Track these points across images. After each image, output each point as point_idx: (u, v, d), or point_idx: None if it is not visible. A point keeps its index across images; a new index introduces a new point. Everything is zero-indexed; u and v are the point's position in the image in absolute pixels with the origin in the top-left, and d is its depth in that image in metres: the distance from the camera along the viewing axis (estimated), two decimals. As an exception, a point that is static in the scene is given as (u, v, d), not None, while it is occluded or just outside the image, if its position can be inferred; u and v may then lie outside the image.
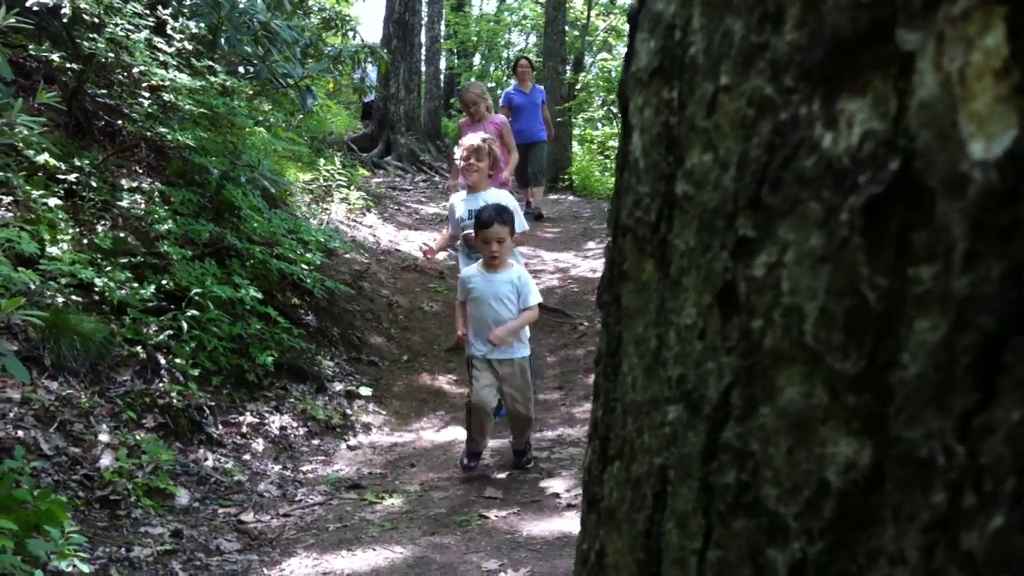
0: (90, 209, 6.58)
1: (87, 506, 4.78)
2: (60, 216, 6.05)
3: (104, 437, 5.18)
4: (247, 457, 6.02)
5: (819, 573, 0.76)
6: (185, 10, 8.22)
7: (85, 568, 3.88)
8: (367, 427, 7.11)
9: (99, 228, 6.53)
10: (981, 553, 0.64)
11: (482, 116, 8.99)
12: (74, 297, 5.69)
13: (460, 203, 6.84)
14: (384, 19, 18.71)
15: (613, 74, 22.23)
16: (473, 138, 6.79)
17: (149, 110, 7.36)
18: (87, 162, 6.74)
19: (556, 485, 5.64)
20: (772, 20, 0.82)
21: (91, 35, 6.86)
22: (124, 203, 6.84)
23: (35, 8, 6.28)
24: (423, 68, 20.88)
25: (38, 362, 5.27)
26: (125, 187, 7.06)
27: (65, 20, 6.78)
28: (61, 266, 5.50)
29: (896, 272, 0.70)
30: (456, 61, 30.46)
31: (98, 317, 5.80)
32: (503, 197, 6.72)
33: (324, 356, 7.78)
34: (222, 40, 8.32)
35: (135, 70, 7.19)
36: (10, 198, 5.98)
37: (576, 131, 21.23)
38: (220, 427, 6.12)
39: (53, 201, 6.04)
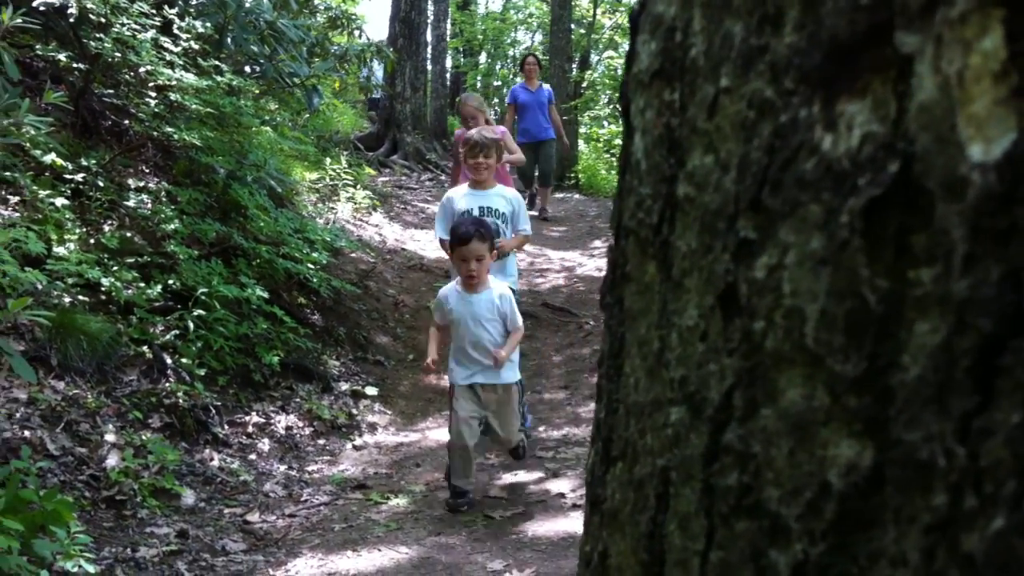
0: (97, 209, 6.59)
1: (93, 506, 4.79)
2: (67, 216, 6.07)
3: (110, 437, 5.19)
4: (253, 457, 6.03)
5: (821, 574, 0.76)
6: (191, 10, 8.23)
7: (91, 568, 3.89)
8: (373, 427, 7.11)
9: (106, 228, 6.54)
10: (981, 555, 0.65)
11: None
12: (81, 297, 5.70)
13: (462, 198, 6.29)
14: (390, 18, 18.74)
15: (619, 72, 22.20)
16: (480, 132, 6.33)
17: (156, 110, 7.37)
18: (94, 162, 6.76)
19: (561, 485, 5.65)
20: (772, 23, 0.82)
21: (98, 35, 6.87)
22: (131, 203, 6.85)
23: (42, 8, 6.29)
24: (429, 67, 20.89)
25: (45, 362, 5.29)
26: (132, 187, 7.08)
27: (72, 20, 6.80)
28: (68, 266, 5.52)
29: (896, 274, 0.71)
30: (462, 60, 30.49)
31: (105, 317, 5.81)
32: (510, 194, 6.38)
33: (330, 356, 7.79)
34: (228, 39, 8.34)
35: (142, 70, 7.20)
36: (17, 198, 5.99)
37: (582, 129, 21.23)
38: (226, 427, 6.13)
39: (60, 201, 6.06)
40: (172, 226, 6.80)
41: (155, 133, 7.46)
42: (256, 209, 7.80)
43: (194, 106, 7.37)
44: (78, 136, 7.13)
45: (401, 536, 4.98)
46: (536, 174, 13.98)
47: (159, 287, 6.27)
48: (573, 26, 21.05)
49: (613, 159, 19.75)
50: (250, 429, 6.29)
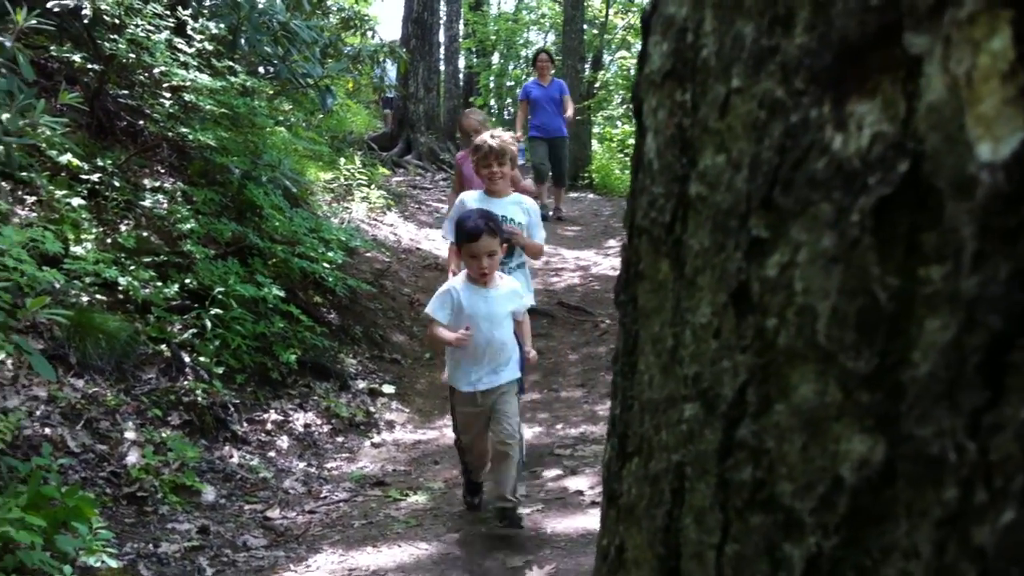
0: (113, 209, 6.62)
1: (114, 503, 4.82)
2: (84, 216, 6.10)
3: (130, 434, 5.22)
4: (272, 454, 6.06)
5: (834, 567, 0.77)
6: (205, 11, 8.26)
7: (113, 563, 3.92)
8: (390, 424, 7.13)
9: (122, 227, 6.57)
10: (992, 548, 0.66)
11: None
12: (98, 296, 5.73)
13: (473, 204, 5.74)
14: (403, 18, 18.76)
15: (632, 72, 22.17)
16: (493, 137, 5.81)
17: (170, 110, 7.40)
18: (110, 162, 6.79)
19: (579, 483, 5.65)
20: (782, 23, 0.83)
21: (112, 36, 6.90)
22: (147, 203, 6.88)
23: (56, 9, 6.32)
24: (442, 67, 20.91)
25: (64, 360, 5.32)
26: (147, 187, 7.11)
27: (86, 21, 6.83)
28: (85, 265, 5.55)
29: (906, 272, 0.72)
30: (475, 60, 30.44)
31: (123, 316, 5.84)
32: (528, 203, 5.94)
33: (347, 354, 7.81)
34: (242, 40, 8.37)
35: (156, 70, 7.23)
36: (34, 198, 6.03)
37: (595, 129, 21.21)
38: (245, 424, 6.16)
39: (76, 201, 6.09)
40: (188, 226, 6.83)
41: (170, 133, 7.49)
42: (271, 209, 7.82)
43: (208, 107, 7.40)
44: (93, 136, 7.17)
45: (420, 532, 5.00)
46: (551, 174, 13.84)
47: (176, 286, 6.30)
48: (586, 26, 21.02)
49: (627, 159, 19.71)
50: (269, 427, 6.31)
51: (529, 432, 6.64)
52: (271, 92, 9.29)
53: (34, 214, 5.88)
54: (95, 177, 6.52)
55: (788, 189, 0.82)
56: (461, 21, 24.48)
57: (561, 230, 13.21)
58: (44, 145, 6.02)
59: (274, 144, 8.82)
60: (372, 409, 7.22)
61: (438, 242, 11.63)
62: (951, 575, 0.68)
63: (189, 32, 7.60)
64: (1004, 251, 0.65)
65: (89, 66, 6.96)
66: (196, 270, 6.60)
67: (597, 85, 21.66)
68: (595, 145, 19.94)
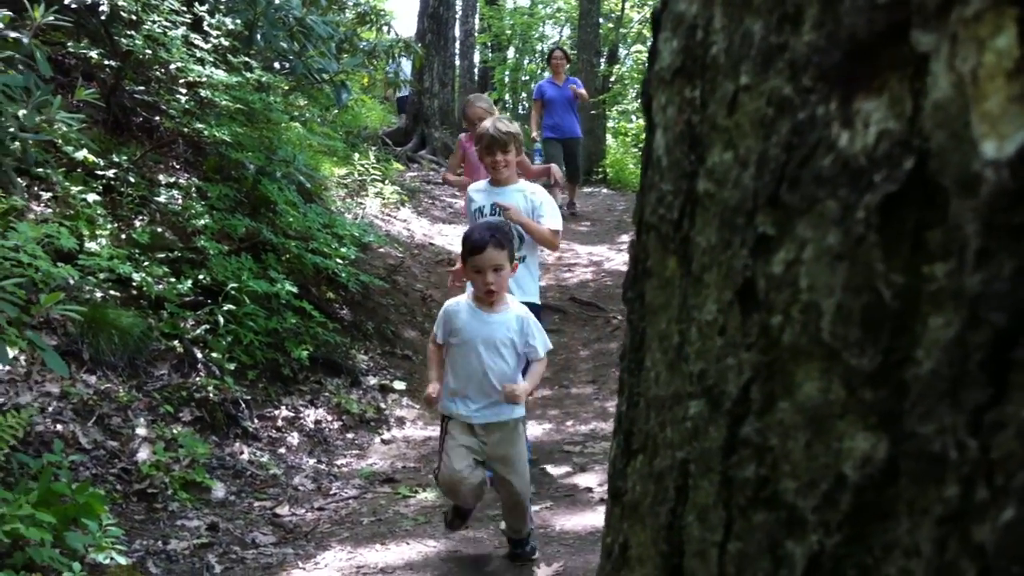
0: (128, 204, 6.64)
1: (125, 499, 4.84)
2: (99, 211, 6.12)
3: (142, 431, 5.24)
4: (282, 451, 6.07)
5: (836, 565, 0.77)
6: (221, 6, 8.27)
7: (122, 560, 3.93)
8: (401, 421, 7.14)
9: (137, 223, 6.59)
10: (992, 546, 0.66)
11: None
12: (112, 292, 5.75)
13: (479, 194, 5.57)
14: (418, 13, 18.77)
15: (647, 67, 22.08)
16: (494, 124, 5.45)
17: (186, 106, 7.42)
18: (125, 158, 6.81)
19: (588, 480, 5.65)
20: (791, 21, 0.83)
21: (129, 32, 6.92)
22: (162, 198, 6.90)
23: (74, 6, 6.34)
24: (457, 62, 20.92)
25: (77, 356, 5.34)
26: (162, 182, 7.13)
27: (103, 17, 6.85)
28: (99, 261, 5.56)
29: (911, 269, 0.72)
30: (490, 55, 30.43)
31: (136, 311, 5.86)
32: (535, 190, 5.59)
33: (358, 350, 7.82)
34: (258, 36, 8.38)
35: (172, 67, 7.25)
36: (49, 194, 6.05)
37: (610, 123, 21.19)
38: (256, 421, 6.17)
39: (92, 197, 6.11)
40: (202, 221, 6.85)
41: (185, 129, 7.51)
42: (285, 204, 7.84)
43: (224, 102, 7.42)
44: (109, 132, 7.19)
45: (429, 530, 5.00)
46: (565, 171, 13.78)
47: (189, 282, 6.31)
48: (601, 20, 21.01)
49: (641, 154, 19.68)
50: (279, 423, 6.33)
51: (539, 429, 6.65)
52: (286, 88, 9.30)
53: (49, 210, 5.90)
54: (110, 173, 6.54)
55: (795, 186, 0.82)
56: (477, 16, 24.50)
57: (574, 225, 13.21)
58: (60, 141, 6.04)
59: (289, 140, 8.83)
60: (383, 405, 7.23)
61: (451, 237, 11.64)
62: (951, 573, 0.68)
63: (205, 28, 7.62)
64: (1008, 248, 0.65)
65: (106, 62, 6.98)
66: (210, 266, 6.62)
67: (612, 79, 21.64)
68: (609, 140, 19.91)
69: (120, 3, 6.69)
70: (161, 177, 7.22)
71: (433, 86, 18.03)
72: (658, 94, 1.08)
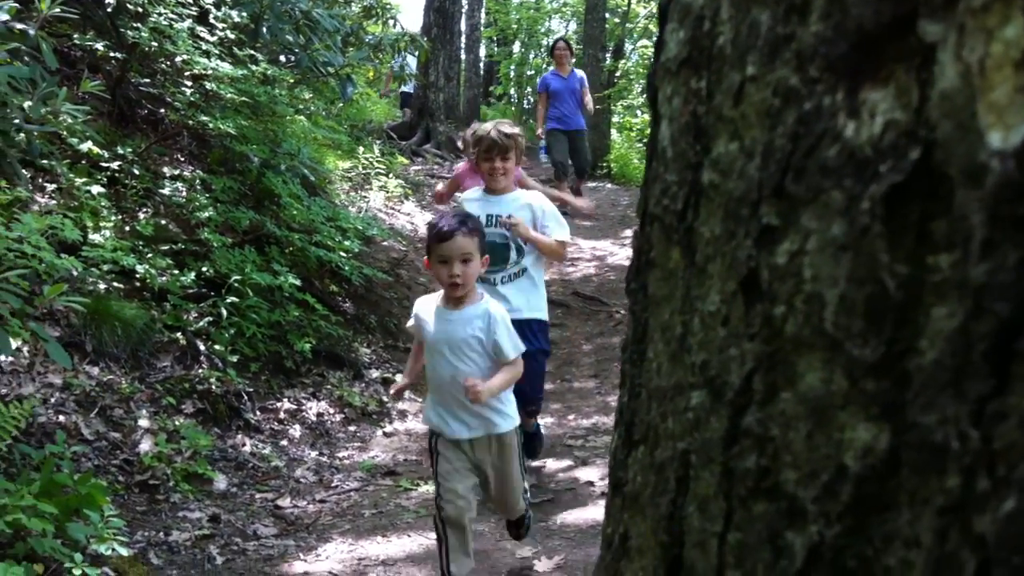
0: (132, 196, 6.64)
1: (127, 490, 4.84)
2: (103, 203, 6.12)
3: (144, 422, 5.24)
4: (284, 443, 6.08)
5: (836, 556, 0.77)
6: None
7: (124, 551, 3.93)
8: (403, 414, 7.14)
9: (141, 215, 6.60)
10: (993, 536, 0.65)
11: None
12: (116, 284, 5.75)
13: (473, 204, 5.10)
14: (424, 7, 18.75)
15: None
16: (496, 128, 5.05)
17: (191, 99, 7.42)
18: (130, 150, 6.82)
19: (590, 473, 5.65)
20: (798, 12, 0.83)
21: (135, 24, 6.93)
22: (166, 191, 6.90)
23: (79, -3, 6.35)
24: (463, 56, 20.91)
25: (80, 348, 5.34)
26: (167, 175, 7.13)
27: (109, 10, 6.86)
28: (103, 253, 5.57)
29: (915, 260, 0.72)
30: (496, 49, 30.45)
31: (139, 303, 5.86)
32: (535, 198, 5.19)
33: (361, 343, 7.82)
34: (264, 29, 8.37)
35: (178, 59, 7.26)
36: (54, 185, 6.05)
37: (615, 118, 21.17)
38: (258, 413, 6.17)
39: (96, 189, 6.11)
40: (206, 214, 6.85)
41: (190, 122, 7.52)
42: (289, 197, 7.84)
43: (229, 95, 7.42)
44: (115, 124, 7.20)
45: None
46: (573, 166, 13.59)
47: (193, 274, 6.32)
48: (607, 15, 20.98)
49: (646, 150, 19.64)
50: (282, 415, 6.33)
51: (541, 423, 6.64)
52: (292, 81, 9.30)
53: (54, 201, 5.91)
54: (115, 165, 6.55)
55: (800, 177, 0.82)
56: (483, 10, 24.49)
57: (578, 220, 13.19)
58: (65, 133, 6.04)
59: (293, 133, 8.84)
60: (385, 398, 7.23)
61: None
62: (952, 563, 0.68)
63: (211, 20, 7.63)
64: (1013, 239, 0.65)
65: (112, 54, 6.98)
66: (213, 258, 6.62)
67: (618, 74, 21.61)
68: (614, 134, 19.87)
69: (126, -6, 6.70)
70: (166, 169, 7.22)
71: (438, 80, 18.03)
72: (664, 85, 1.08)
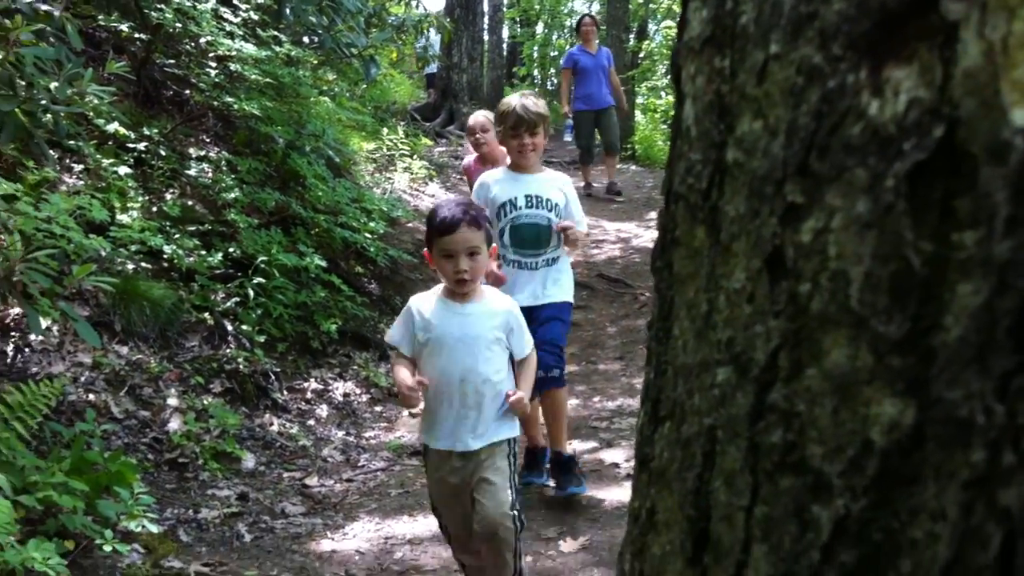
0: (159, 177, 6.68)
1: (156, 468, 4.89)
2: (130, 184, 6.16)
3: (173, 401, 5.29)
4: (311, 423, 6.12)
5: (862, 529, 0.78)
6: (250, -20, 8.29)
7: (154, 528, 3.98)
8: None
9: (168, 196, 6.63)
10: (1018, 509, 0.66)
11: (495, 156, 6.36)
12: (144, 264, 5.80)
13: (497, 184, 4.84)
14: (447, -12, 18.74)
15: (677, 42, 21.86)
16: (522, 101, 4.78)
17: (216, 80, 7.45)
18: (156, 131, 6.85)
19: (615, 455, 5.66)
20: (821, -10, 0.83)
21: (159, 5, 6.95)
22: (192, 172, 6.94)
23: (104, -20, 6.38)
24: (486, 37, 20.87)
25: (109, 327, 5.39)
26: (193, 156, 7.17)
27: (133, -9, 6.88)
28: (131, 233, 5.60)
29: (940, 237, 0.72)
30: (519, 30, 30.37)
31: (167, 284, 5.91)
32: (564, 183, 4.95)
33: (387, 324, 7.82)
34: (287, 10, 8.38)
35: (202, 40, 7.28)
36: (81, 166, 6.09)
37: (639, 100, 21.08)
38: (285, 393, 6.22)
39: (123, 169, 6.15)
40: (232, 195, 6.88)
41: (215, 103, 7.55)
42: (314, 179, 7.86)
43: (253, 76, 7.44)
44: (140, 106, 7.23)
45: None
46: (602, 143, 13.37)
47: (220, 255, 6.35)
48: (631, -5, 20.89)
49: (670, 130, 19.53)
50: (308, 395, 6.37)
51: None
52: (315, 62, 9.32)
53: (81, 182, 5.95)
54: (141, 146, 6.58)
55: (824, 155, 0.82)
56: (506, -9, 24.42)
57: (603, 201, 13.15)
58: (91, 114, 6.08)
59: (318, 114, 8.86)
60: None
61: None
62: (977, 536, 0.69)
63: (235, 2, 7.64)
64: (1037, 215, 0.65)
65: (136, 36, 7.01)
66: (240, 239, 6.65)
67: (642, 55, 21.52)
68: (638, 116, 19.79)
69: (151, -23, 6.72)
70: (191, 150, 7.26)
71: (462, 61, 18.01)
72: (687, 64, 1.08)
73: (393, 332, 3.60)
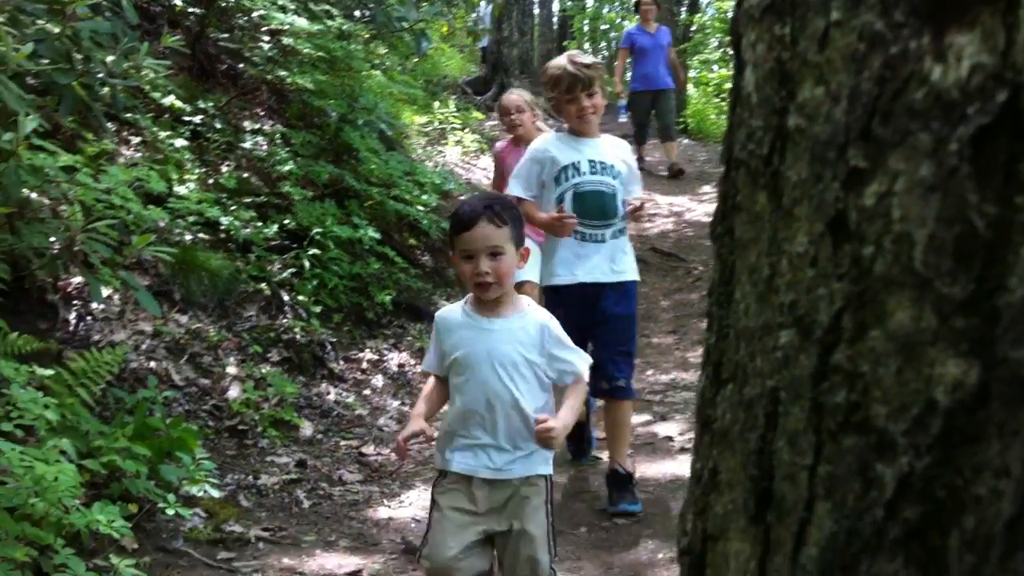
0: (215, 150, 6.75)
1: (216, 435, 4.97)
2: (186, 156, 6.23)
3: (232, 369, 5.37)
4: (367, 392, 6.18)
5: (926, 486, 0.79)
6: (303, -46, 8.32)
7: (215, 493, 4.06)
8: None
9: (224, 168, 6.70)
10: (1080, 465, 0.68)
11: (531, 138, 5.20)
12: (201, 235, 5.87)
13: (562, 148, 4.49)
14: (498, -40, 18.68)
15: (729, 15, 21.68)
16: (572, 61, 4.41)
17: (269, 54, 7.50)
18: (211, 104, 6.92)
19: (669, 428, 5.67)
20: (884, -44, 0.84)
21: (213, -20, 7.01)
22: (247, 144, 7.01)
23: (160, -45, 6.44)
24: (536, 11, 20.79)
25: (168, 296, 5.47)
26: (247, 129, 7.23)
27: (188, -34, 6.94)
28: (188, 204, 5.66)
29: (1004, 200, 0.73)
30: (569, 3, 30.18)
31: (224, 254, 5.98)
32: (626, 152, 4.68)
33: (440, 296, 7.88)
34: (339, -17, 8.42)
35: (255, 14, 7.33)
36: (139, 139, 6.17)
37: (692, 73, 20.91)
38: (341, 363, 6.28)
39: (179, 142, 6.22)
40: (287, 167, 6.94)
41: (269, 77, 7.61)
42: (367, 152, 7.90)
43: (306, 50, 7.49)
44: (195, 79, 7.30)
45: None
46: (657, 128, 12.97)
47: (275, 226, 6.42)
48: (683, -33, 20.72)
49: (723, 103, 19.34)
50: (364, 365, 6.43)
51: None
52: (367, 36, 9.34)
53: (139, 154, 6.02)
54: (197, 119, 6.66)
55: (887, 120, 0.83)
56: (556, -36, 24.30)
57: (655, 175, 13.06)
58: (148, 87, 6.15)
59: (370, 88, 8.89)
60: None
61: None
62: (1040, 491, 0.70)
63: (287, -24, 7.68)
64: (1100, 177, 0.66)
65: (190, 10, 7.08)
66: (294, 211, 6.71)
67: (694, 28, 21.33)
68: (691, 89, 19.64)
69: (205, -49, 6.77)
70: (246, 123, 7.32)
71: (512, 35, 17.97)
72: (747, 32, 1.09)
73: (427, 356, 3.33)
